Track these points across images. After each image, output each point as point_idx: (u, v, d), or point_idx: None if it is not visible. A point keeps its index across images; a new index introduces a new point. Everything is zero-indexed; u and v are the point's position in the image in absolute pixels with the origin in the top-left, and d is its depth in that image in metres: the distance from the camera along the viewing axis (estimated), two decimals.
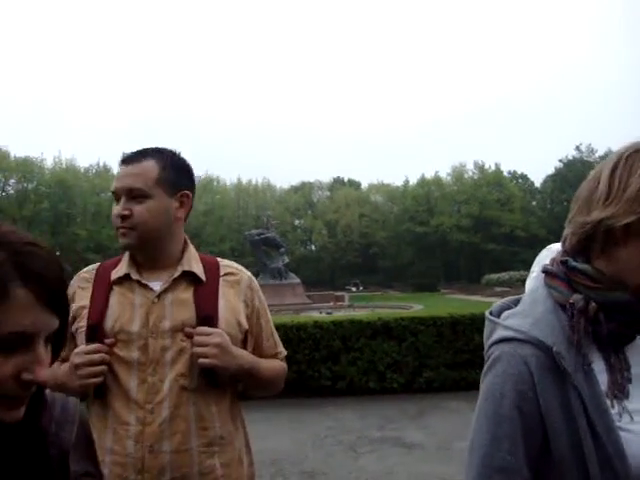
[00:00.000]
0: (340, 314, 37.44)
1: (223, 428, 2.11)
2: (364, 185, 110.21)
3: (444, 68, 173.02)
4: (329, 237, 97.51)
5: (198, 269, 2.17)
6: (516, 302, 1.45)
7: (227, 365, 2.04)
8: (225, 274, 2.23)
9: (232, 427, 2.17)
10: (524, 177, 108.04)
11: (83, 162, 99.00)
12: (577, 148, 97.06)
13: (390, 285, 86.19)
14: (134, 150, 2.21)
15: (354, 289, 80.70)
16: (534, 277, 2.20)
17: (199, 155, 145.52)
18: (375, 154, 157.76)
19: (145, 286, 2.12)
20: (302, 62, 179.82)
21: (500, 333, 1.32)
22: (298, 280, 58.93)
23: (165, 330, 2.05)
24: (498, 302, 1.51)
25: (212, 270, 2.21)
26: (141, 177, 2.08)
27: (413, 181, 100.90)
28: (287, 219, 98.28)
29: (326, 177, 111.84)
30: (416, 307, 39.46)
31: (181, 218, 2.23)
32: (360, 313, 12.78)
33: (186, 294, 2.12)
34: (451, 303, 45.01)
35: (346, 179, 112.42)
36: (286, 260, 60.58)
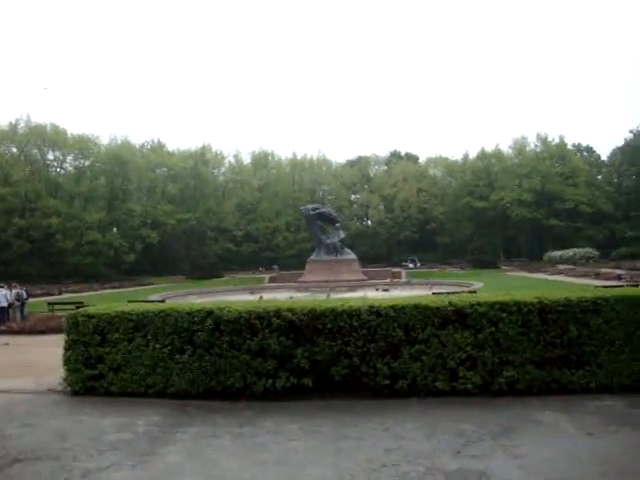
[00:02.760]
0: (397, 292, 35.82)
1: None
2: (422, 159, 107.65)
3: (504, 39, 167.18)
4: (386, 212, 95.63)
5: None
6: None
7: None
8: None
9: None
10: (589, 149, 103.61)
11: (138, 138, 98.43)
12: None
13: (448, 262, 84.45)
14: None
15: (411, 265, 79.18)
16: None
17: (253, 130, 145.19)
18: (433, 127, 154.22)
19: None
20: (356, 38, 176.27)
21: None
22: (354, 256, 57.49)
23: None
24: None
25: None
26: None
27: (473, 154, 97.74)
28: (343, 194, 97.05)
29: (383, 151, 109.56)
30: (477, 285, 37.49)
31: None
32: (426, 296, 10.67)
33: None
34: (514, 281, 42.83)
35: (403, 153, 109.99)
36: (342, 235, 59.24)
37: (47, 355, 14.22)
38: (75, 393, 9.82)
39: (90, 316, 9.92)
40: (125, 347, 9.61)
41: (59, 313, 25.95)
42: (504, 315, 8.81)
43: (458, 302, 9.04)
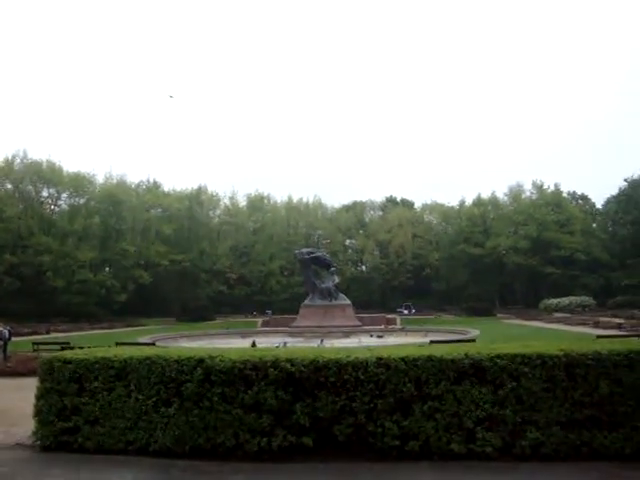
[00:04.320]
0: (392, 339, 34.85)
1: None
2: (418, 205, 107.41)
3: (502, 89, 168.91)
4: (381, 257, 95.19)
5: None
6: None
7: None
8: None
9: None
10: (585, 198, 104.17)
11: (133, 178, 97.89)
12: None
13: (443, 308, 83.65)
14: None
15: (406, 312, 78.31)
16: None
17: (250, 173, 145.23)
18: (429, 173, 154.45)
19: None
20: (354, 83, 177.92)
21: None
22: (348, 301, 56.65)
23: None
24: None
25: None
26: None
27: (469, 201, 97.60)
28: (338, 238, 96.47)
29: (378, 196, 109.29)
30: (473, 332, 36.63)
31: None
32: (438, 347, 9.79)
33: None
34: (510, 330, 41.98)
35: (399, 199, 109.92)
36: (336, 280, 58.55)
37: (23, 401, 13.10)
38: (45, 449, 8.82)
39: (67, 362, 8.98)
40: (104, 398, 8.66)
41: (43, 354, 24.83)
42: (527, 369, 7.93)
43: (475, 354, 8.14)
